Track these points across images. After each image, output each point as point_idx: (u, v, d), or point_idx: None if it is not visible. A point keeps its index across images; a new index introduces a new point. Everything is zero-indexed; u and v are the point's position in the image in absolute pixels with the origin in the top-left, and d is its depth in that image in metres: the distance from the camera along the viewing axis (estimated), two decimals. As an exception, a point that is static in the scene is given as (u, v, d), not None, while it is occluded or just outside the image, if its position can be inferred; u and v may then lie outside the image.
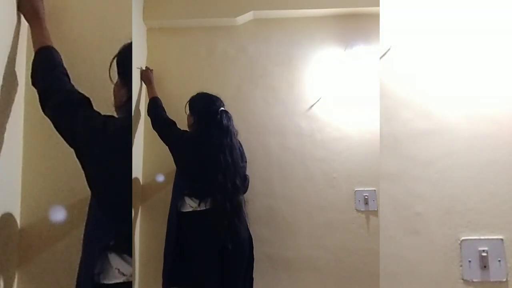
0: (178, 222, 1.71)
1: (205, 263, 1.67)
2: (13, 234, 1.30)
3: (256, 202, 2.08)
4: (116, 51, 1.26)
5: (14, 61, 1.28)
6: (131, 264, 1.07)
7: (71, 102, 1.12)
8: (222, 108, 1.83)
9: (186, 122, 1.91)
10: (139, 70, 2.03)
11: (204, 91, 1.91)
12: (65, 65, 1.23)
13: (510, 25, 1.08)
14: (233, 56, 2.19)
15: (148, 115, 1.97)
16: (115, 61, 1.23)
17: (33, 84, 1.18)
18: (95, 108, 1.17)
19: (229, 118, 1.83)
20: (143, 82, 2.04)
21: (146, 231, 2.08)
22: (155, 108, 1.96)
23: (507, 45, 1.08)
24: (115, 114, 1.21)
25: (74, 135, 1.10)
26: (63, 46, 1.42)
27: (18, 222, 1.34)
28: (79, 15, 1.36)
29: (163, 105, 1.99)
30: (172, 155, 1.81)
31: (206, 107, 1.84)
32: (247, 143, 2.10)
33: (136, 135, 1.98)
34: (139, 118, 2.01)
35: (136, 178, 2.00)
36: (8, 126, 1.25)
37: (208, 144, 1.73)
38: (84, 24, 1.41)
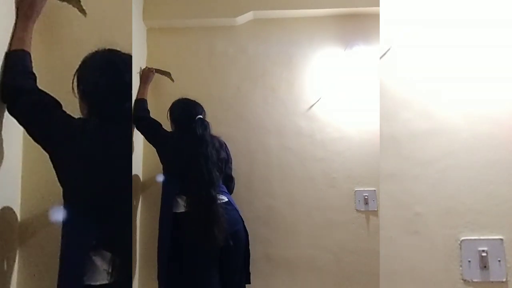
0: (172, 222, 1.71)
1: (197, 263, 1.68)
2: (13, 229, 1.30)
3: (256, 202, 2.08)
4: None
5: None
6: (115, 263, 1.05)
7: (46, 103, 1.11)
8: (199, 116, 1.82)
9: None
10: (141, 70, 2.03)
11: (185, 97, 1.90)
12: (64, 66, 1.23)
13: (510, 27, 1.08)
14: (233, 56, 2.19)
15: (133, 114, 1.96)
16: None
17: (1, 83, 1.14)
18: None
19: (205, 126, 1.80)
20: (140, 81, 2.03)
21: (145, 232, 2.08)
22: (142, 110, 1.95)
23: (507, 45, 1.08)
24: None
25: (49, 136, 1.09)
26: (63, 47, 1.42)
27: (18, 223, 1.34)
28: (79, 15, 1.36)
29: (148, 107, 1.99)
30: (159, 155, 1.82)
31: (181, 115, 1.85)
32: (247, 143, 2.10)
33: (135, 135, 1.98)
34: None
35: (136, 175, 2.00)
36: (7, 126, 1.25)
37: (185, 152, 1.75)
38: (84, 25, 1.41)
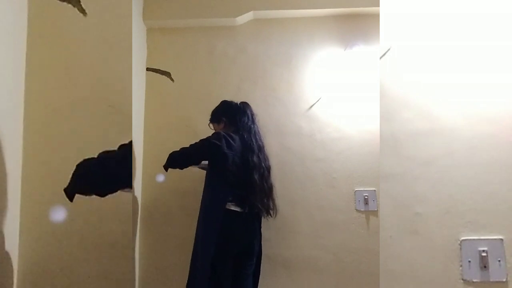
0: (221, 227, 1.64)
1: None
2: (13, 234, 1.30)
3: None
4: (114, 51, 1.27)
5: (13, 62, 1.29)
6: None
7: None
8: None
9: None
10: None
11: (238, 101, 1.91)
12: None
13: (511, 25, 1.08)
14: (233, 56, 2.19)
15: (169, 167, 1.72)
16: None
17: None
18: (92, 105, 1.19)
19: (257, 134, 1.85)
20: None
21: (146, 233, 2.08)
22: (172, 159, 1.73)
23: (507, 44, 1.08)
24: None
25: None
26: (63, 46, 1.43)
27: (18, 223, 1.34)
28: (79, 15, 1.36)
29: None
30: (214, 166, 1.72)
31: (240, 116, 1.83)
32: (247, 143, 2.09)
33: (135, 135, 1.98)
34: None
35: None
36: (8, 127, 1.25)
37: (242, 158, 1.75)
38: (84, 25, 1.41)
